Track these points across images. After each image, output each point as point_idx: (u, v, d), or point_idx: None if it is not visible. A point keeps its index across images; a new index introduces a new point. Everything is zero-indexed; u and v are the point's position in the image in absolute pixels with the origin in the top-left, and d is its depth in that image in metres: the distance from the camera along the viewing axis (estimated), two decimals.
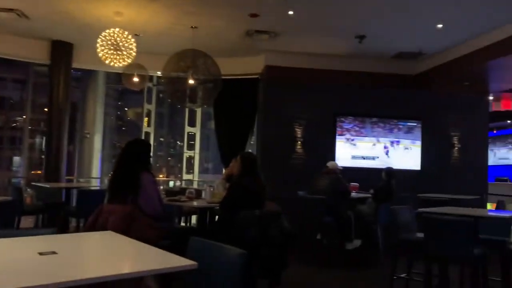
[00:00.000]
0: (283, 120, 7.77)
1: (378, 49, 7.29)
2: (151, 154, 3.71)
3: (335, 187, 5.95)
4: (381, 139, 8.04)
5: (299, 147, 7.81)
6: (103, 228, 2.97)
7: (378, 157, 8.00)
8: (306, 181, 6.49)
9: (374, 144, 8.02)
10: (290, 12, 5.79)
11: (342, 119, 7.97)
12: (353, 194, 6.40)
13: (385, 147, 8.05)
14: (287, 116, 7.79)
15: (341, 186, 5.99)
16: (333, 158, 7.63)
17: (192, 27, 6.49)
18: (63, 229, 5.82)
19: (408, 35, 6.61)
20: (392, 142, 8.05)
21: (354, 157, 7.97)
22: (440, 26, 5.97)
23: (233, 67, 7.72)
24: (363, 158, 7.99)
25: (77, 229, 5.88)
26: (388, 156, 7.96)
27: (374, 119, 8.02)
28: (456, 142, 8.19)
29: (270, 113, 7.84)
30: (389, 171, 6.42)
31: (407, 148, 8.07)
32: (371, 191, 6.45)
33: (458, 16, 5.69)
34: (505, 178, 12.45)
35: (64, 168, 8.01)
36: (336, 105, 7.93)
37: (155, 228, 3.24)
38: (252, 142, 8.87)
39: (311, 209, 5.94)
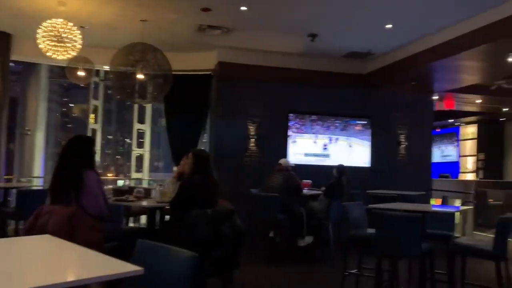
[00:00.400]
0: (236, 118, 7.70)
1: (329, 48, 7.38)
2: (96, 151, 3.50)
3: (287, 184, 5.96)
4: (332, 136, 8.16)
5: (252, 144, 7.77)
6: (43, 231, 2.76)
7: (329, 155, 8.12)
8: (260, 179, 6.46)
9: (327, 142, 8.13)
10: (243, 8, 5.72)
11: (295, 116, 8.02)
12: (305, 191, 6.45)
13: (326, 143, 8.18)
14: (241, 113, 7.72)
15: (294, 183, 6.01)
16: (286, 155, 7.66)
17: (141, 20, 6.25)
18: (0, 232, 5.44)
19: (358, 35, 6.73)
20: (340, 139, 8.20)
21: (307, 155, 8.04)
22: (389, 26, 6.12)
23: (185, 62, 7.54)
24: (316, 155, 8.08)
25: (17, 233, 5.51)
26: (338, 153, 8.09)
27: (325, 117, 8.12)
28: (403, 140, 8.47)
29: (223, 110, 7.74)
30: (340, 168, 6.53)
31: (356, 146, 8.24)
32: (323, 188, 6.52)
33: (406, 17, 5.85)
34: (447, 175, 13.09)
35: (3, 167, 7.50)
36: (289, 103, 7.96)
37: (99, 230, 3.06)
38: (204, 140, 8.73)
39: (265, 207, 5.92)
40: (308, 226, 5.93)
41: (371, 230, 4.11)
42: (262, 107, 7.81)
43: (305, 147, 8.07)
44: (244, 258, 4.35)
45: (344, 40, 7.01)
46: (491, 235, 7.78)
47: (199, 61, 7.86)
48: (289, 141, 7.97)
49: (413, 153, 8.48)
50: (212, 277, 3.69)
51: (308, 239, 5.91)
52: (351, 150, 8.22)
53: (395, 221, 3.60)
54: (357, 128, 8.27)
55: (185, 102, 7.89)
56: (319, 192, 6.53)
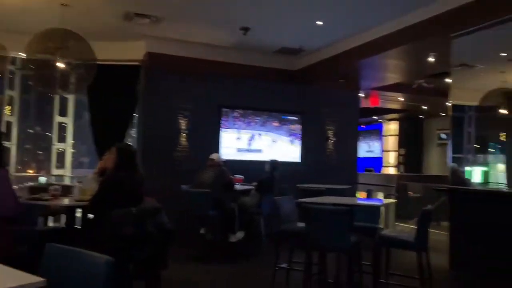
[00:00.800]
0: (166, 111, 7.42)
1: (262, 43, 7.36)
2: (4, 146, 3.14)
3: (219, 179, 5.86)
4: (265, 132, 8.18)
5: (183, 139, 7.54)
6: None
7: (262, 150, 8.13)
8: (191, 175, 6.28)
9: (257, 137, 8.12)
10: None
11: (227, 111, 7.92)
12: (237, 186, 6.38)
13: (258, 138, 8.20)
14: (171, 107, 7.46)
15: (226, 179, 5.92)
16: (218, 150, 7.54)
17: (62, 4, 5.78)
18: None
19: (290, 31, 6.76)
20: (274, 135, 8.24)
21: (239, 150, 7.98)
22: (319, 23, 6.21)
23: (110, 52, 7.10)
24: (248, 151, 8.05)
25: None
26: (270, 148, 8.13)
27: (257, 112, 8.12)
28: (331, 136, 8.71)
29: (152, 104, 7.43)
30: (273, 163, 6.54)
31: (288, 141, 8.33)
32: (254, 183, 6.50)
33: (335, 15, 5.96)
34: (372, 169, 13.75)
35: None
36: (221, 97, 7.84)
37: (7, 232, 2.74)
38: (134, 135, 8.33)
39: (196, 203, 5.76)
40: (240, 222, 5.88)
41: (301, 224, 4.13)
42: (193, 100, 7.61)
43: (238, 142, 8.00)
44: (174, 258, 4.18)
45: (276, 35, 7.02)
46: (411, 226, 8.26)
47: (126, 51, 7.46)
48: (221, 136, 7.86)
49: (341, 148, 8.75)
50: (138, 279, 3.49)
51: (240, 235, 5.86)
52: (283, 145, 8.29)
53: (324, 214, 3.64)
54: (289, 123, 8.36)
55: (111, 94, 7.46)
56: (251, 187, 6.50)
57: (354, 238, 3.64)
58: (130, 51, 7.46)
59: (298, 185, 6.88)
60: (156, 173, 6.98)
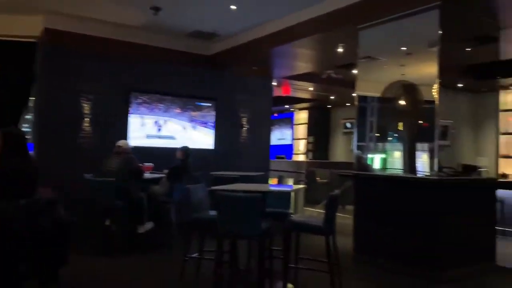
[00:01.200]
0: (68, 94, 6.82)
1: (174, 25, 7.06)
2: None
3: (126, 167, 5.54)
4: (177, 118, 7.92)
5: (87, 125, 7.01)
6: None
7: (173, 136, 7.87)
8: (95, 163, 5.86)
9: (168, 123, 7.84)
10: None
11: (136, 95, 7.51)
12: (147, 175, 6.10)
13: (170, 125, 7.96)
14: (73, 89, 6.87)
15: (134, 167, 5.62)
16: (126, 137, 7.14)
17: None
18: None
19: (203, 14, 6.56)
20: (187, 121, 8.02)
21: (149, 136, 7.64)
22: (233, 7, 6.09)
23: (1, 26, 6.34)
24: (159, 137, 7.74)
25: None
26: (182, 135, 7.91)
27: (169, 98, 7.82)
28: (245, 123, 8.71)
29: (51, 85, 6.76)
30: (185, 150, 6.35)
31: (201, 128, 8.17)
32: (165, 170, 6.26)
33: (249, 0, 5.88)
34: (283, 156, 14.13)
35: None
36: (130, 80, 7.42)
37: None
38: (30, 120, 7.56)
39: (100, 193, 5.39)
40: (149, 212, 5.62)
41: (214, 213, 4.04)
42: (98, 83, 7.08)
43: (148, 129, 7.65)
44: (76, 252, 3.85)
45: (189, 18, 6.77)
46: (318, 210, 8.60)
47: (20, 26, 6.70)
48: (130, 121, 7.45)
49: (254, 136, 8.80)
50: (31, 279, 3.14)
51: (149, 225, 5.61)
52: (195, 132, 8.11)
53: (236, 202, 3.58)
54: (202, 109, 8.19)
55: (2, 73, 6.67)
56: (162, 175, 6.25)
57: (265, 224, 3.63)
58: (25, 26, 6.71)
59: (212, 172, 6.77)
60: (56, 162, 6.43)
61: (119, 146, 5.78)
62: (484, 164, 6.02)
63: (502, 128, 8.99)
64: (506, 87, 9.17)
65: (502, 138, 9.12)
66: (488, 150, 8.90)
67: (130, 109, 7.44)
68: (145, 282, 4.24)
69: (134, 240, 5.51)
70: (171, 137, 7.85)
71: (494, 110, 6.74)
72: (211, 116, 8.25)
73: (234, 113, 8.59)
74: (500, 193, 5.56)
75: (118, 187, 5.34)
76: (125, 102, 7.37)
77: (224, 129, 8.35)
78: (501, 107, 8.72)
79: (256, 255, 3.81)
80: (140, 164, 5.88)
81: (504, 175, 8.13)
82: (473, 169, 5.44)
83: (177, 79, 7.82)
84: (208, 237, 4.27)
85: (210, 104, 8.24)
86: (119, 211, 5.34)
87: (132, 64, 7.36)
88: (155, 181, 6.14)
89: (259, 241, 3.67)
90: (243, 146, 8.66)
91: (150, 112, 7.66)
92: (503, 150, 9.06)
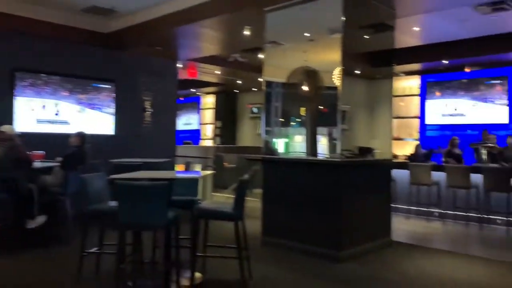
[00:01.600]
0: None
1: None
2: None
3: (11, 156, 4.92)
4: (70, 101, 7.25)
5: None
6: None
7: (67, 121, 7.20)
8: None
9: (62, 106, 7.15)
10: None
11: (23, 75, 6.70)
12: (37, 164, 5.49)
13: (64, 108, 7.31)
14: None
15: (19, 155, 5.00)
16: (11, 122, 6.37)
17: None
18: None
19: None
20: (83, 104, 7.39)
21: (40, 121, 6.90)
22: None
23: None
24: (51, 122, 7.02)
25: None
26: (78, 119, 7.28)
27: (62, 78, 7.12)
28: (148, 107, 8.29)
29: None
30: (80, 135, 5.81)
31: (99, 111, 7.59)
32: (59, 158, 5.69)
33: None
34: (190, 141, 13.85)
35: None
36: (15, 59, 6.59)
37: None
38: None
39: None
40: (40, 204, 5.07)
41: (115, 203, 3.73)
42: None
43: (38, 113, 6.89)
44: None
45: None
46: (227, 195, 8.57)
47: None
48: (15, 104, 6.64)
49: (159, 120, 8.42)
50: None
51: (41, 219, 5.06)
52: (93, 116, 7.51)
53: (138, 191, 3.32)
54: (100, 92, 7.59)
55: None
56: (55, 164, 5.67)
57: (171, 214, 3.43)
58: None
59: (112, 160, 6.32)
60: None
61: (2, 132, 5.10)
62: (378, 146, 6.44)
63: (393, 113, 9.73)
64: (396, 74, 9.90)
65: (393, 122, 9.89)
66: (382, 133, 9.61)
67: (16, 91, 6.63)
68: (37, 284, 3.80)
69: (25, 236, 4.94)
70: (65, 122, 7.17)
71: (388, 96, 7.19)
72: (110, 99, 7.69)
73: (137, 96, 8.11)
74: (393, 172, 5.99)
75: (2, 177, 4.72)
76: (8, 83, 6.54)
77: (125, 113, 7.85)
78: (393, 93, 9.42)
79: (162, 246, 3.60)
80: (28, 152, 5.26)
81: (395, 156, 8.81)
82: (368, 151, 5.78)
83: (70, 58, 7.14)
84: (109, 230, 3.95)
85: (109, 86, 7.67)
86: (3, 204, 4.72)
87: (18, 41, 6.54)
88: (47, 170, 5.54)
89: (165, 232, 3.46)
90: (147, 131, 8.25)
91: (38, 94, 6.90)
92: (394, 133, 9.82)
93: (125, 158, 6.72)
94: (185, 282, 3.75)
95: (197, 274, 3.89)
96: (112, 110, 7.71)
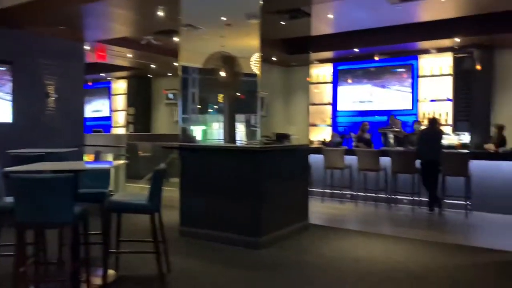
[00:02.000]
0: None
1: None
2: None
3: None
4: None
5: None
6: None
7: None
8: None
9: None
10: None
11: None
12: None
13: None
14: None
15: None
16: None
17: None
18: None
19: None
20: None
21: None
22: None
23: None
24: None
25: None
26: None
27: None
28: (52, 92, 7.56)
29: None
30: None
31: None
32: None
33: None
34: (100, 130, 13.01)
35: None
36: None
37: None
38: None
39: None
40: None
41: (10, 199, 3.30)
42: None
43: None
44: None
45: None
46: (142, 185, 8.20)
47: None
48: None
49: (64, 107, 7.72)
50: None
51: None
52: None
53: (39, 184, 2.95)
54: None
55: None
56: None
57: (78, 209, 3.11)
58: None
59: (9, 151, 5.65)
60: None
61: None
62: (295, 132, 6.56)
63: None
64: (311, 62, 10.15)
65: (309, 108, 10.17)
66: (299, 120, 9.84)
67: None
68: None
69: None
70: None
71: (305, 83, 7.34)
72: (6, 82, 6.87)
73: (38, 80, 7.35)
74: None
75: None
76: None
77: (25, 99, 7.07)
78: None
79: (69, 244, 3.27)
80: None
81: (311, 142, 9.07)
82: (285, 137, 5.85)
83: None
84: (5, 229, 3.50)
85: (4, 69, 6.84)
86: None
87: None
88: None
89: (72, 228, 3.14)
90: (51, 118, 7.53)
91: None
92: (310, 119, 10.11)
93: (25, 148, 6.06)
94: (97, 281, 3.46)
95: (111, 272, 3.62)
96: (9, 95, 6.91)
